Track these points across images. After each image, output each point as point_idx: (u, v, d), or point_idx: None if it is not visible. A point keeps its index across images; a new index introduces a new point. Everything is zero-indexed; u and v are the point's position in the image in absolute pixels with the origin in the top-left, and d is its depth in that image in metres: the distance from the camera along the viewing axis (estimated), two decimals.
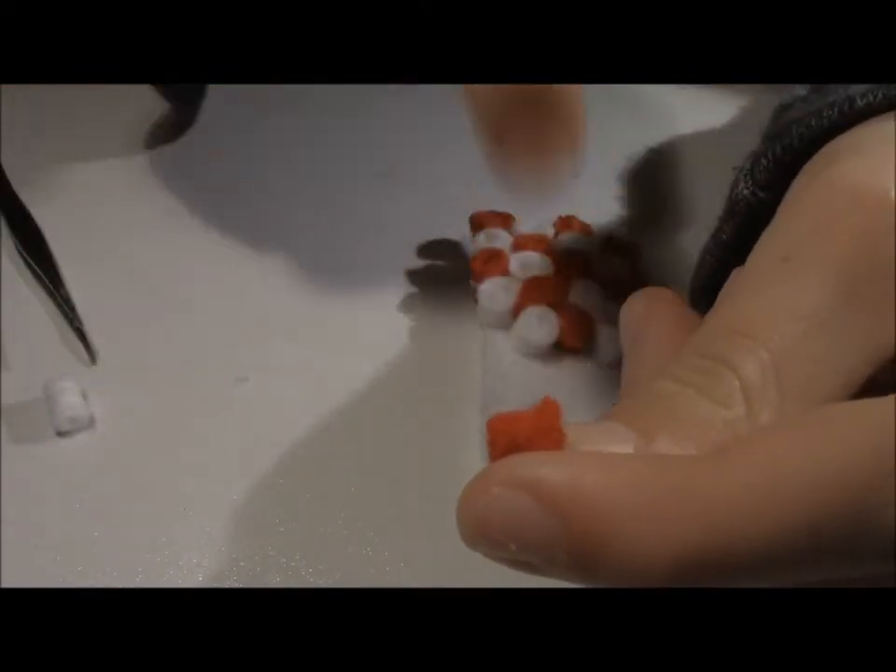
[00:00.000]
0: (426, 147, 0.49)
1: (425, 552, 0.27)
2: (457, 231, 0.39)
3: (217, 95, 0.52)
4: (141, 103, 0.52)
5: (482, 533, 0.16)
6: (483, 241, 0.37)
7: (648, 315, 0.21)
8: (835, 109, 0.21)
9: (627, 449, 0.16)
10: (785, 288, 0.18)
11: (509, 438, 0.16)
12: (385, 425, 0.31)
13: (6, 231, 0.40)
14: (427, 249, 0.40)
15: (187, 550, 0.27)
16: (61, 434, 0.31)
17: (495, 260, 0.36)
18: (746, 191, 0.23)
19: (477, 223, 0.39)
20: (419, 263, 0.39)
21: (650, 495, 0.15)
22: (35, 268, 0.38)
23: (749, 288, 0.19)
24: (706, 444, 0.17)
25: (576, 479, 0.15)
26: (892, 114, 0.20)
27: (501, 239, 0.37)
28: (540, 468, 0.15)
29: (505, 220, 0.39)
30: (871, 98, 0.20)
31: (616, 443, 0.17)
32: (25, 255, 0.38)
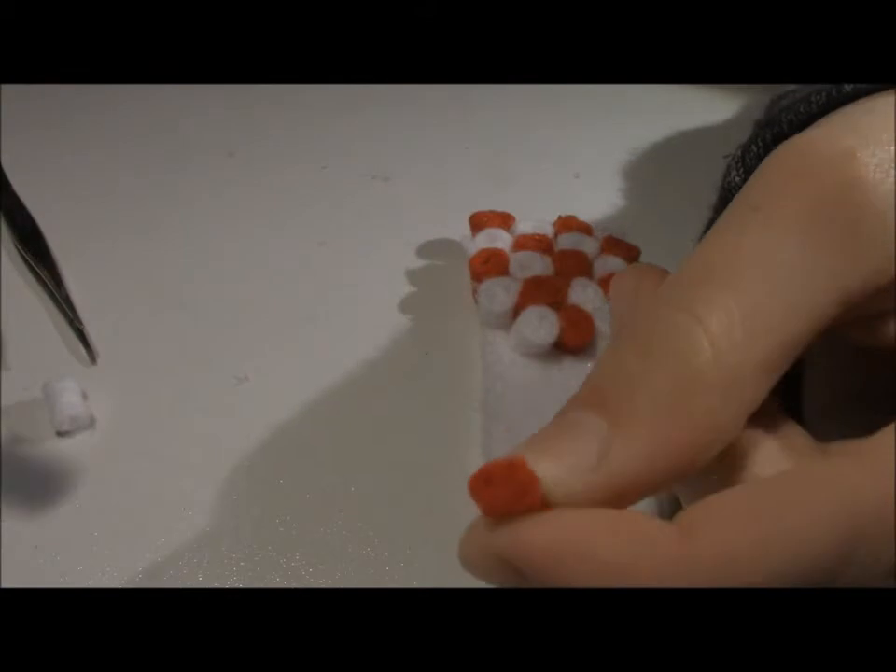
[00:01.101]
0: (426, 147, 0.49)
1: (425, 552, 0.27)
2: (457, 230, 0.39)
3: (218, 93, 0.52)
4: (140, 103, 0.52)
5: (471, 572, 0.19)
6: (482, 241, 0.37)
7: (636, 291, 0.22)
8: (823, 94, 0.21)
9: (594, 444, 0.17)
10: (753, 236, 0.19)
11: (487, 502, 0.17)
12: (385, 424, 0.31)
13: (6, 231, 0.40)
14: (426, 249, 0.40)
15: (187, 550, 0.27)
16: (61, 434, 0.31)
17: (495, 260, 0.36)
18: (738, 179, 0.23)
19: (477, 223, 0.39)
20: (419, 263, 0.39)
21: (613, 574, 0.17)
22: (35, 268, 0.38)
23: (718, 236, 0.19)
24: (670, 420, 0.17)
25: (552, 553, 0.17)
26: (879, 94, 0.20)
27: (501, 239, 0.37)
28: (517, 534, 0.17)
29: (505, 220, 0.39)
30: None
31: (582, 443, 0.17)
32: (25, 255, 0.38)
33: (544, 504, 0.17)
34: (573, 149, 0.49)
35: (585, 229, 0.39)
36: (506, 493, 0.17)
